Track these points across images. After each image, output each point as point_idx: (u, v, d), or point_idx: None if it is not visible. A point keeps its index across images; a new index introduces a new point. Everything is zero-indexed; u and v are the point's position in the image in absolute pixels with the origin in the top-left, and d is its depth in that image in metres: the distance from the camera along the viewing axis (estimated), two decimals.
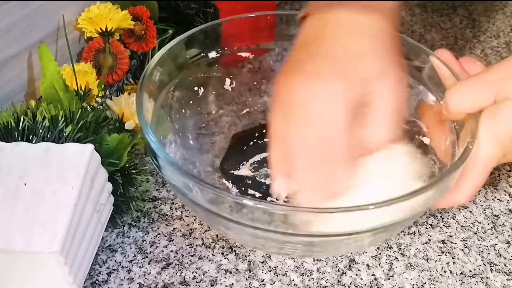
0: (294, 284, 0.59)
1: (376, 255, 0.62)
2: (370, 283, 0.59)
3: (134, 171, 0.63)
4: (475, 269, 0.61)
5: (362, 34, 0.57)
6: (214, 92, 0.75)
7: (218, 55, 0.73)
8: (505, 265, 0.61)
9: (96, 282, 0.59)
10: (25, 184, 0.54)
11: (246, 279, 0.59)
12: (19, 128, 0.59)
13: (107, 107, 0.69)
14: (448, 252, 0.62)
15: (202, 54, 0.72)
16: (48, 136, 0.59)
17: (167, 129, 0.67)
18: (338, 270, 0.60)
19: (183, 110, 0.71)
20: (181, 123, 0.70)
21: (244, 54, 0.75)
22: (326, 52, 0.57)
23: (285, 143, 0.56)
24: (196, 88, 0.73)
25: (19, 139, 0.59)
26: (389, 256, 0.62)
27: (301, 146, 0.55)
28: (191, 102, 0.72)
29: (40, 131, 0.59)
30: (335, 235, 0.54)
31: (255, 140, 0.72)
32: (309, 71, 0.56)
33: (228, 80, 0.75)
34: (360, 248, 0.62)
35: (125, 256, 0.61)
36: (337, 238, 0.55)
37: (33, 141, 0.59)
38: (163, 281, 0.59)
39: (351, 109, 0.55)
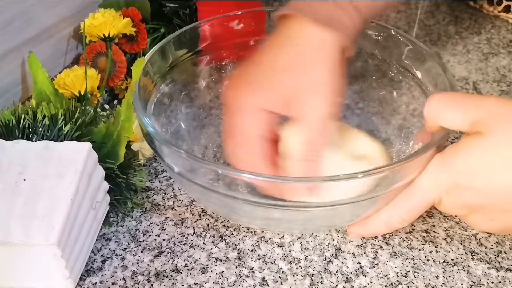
0: (282, 272, 0.60)
1: (362, 244, 0.63)
2: (356, 271, 0.60)
3: (130, 171, 0.65)
4: (457, 258, 0.62)
5: (315, 47, 0.59)
6: (203, 87, 0.76)
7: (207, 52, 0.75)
8: (486, 254, 0.62)
9: (91, 269, 0.60)
10: (24, 179, 0.56)
11: (236, 267, 0.60)
12: (20, 127, 0.60)
13: (110, 114, 0.71)
14: (431, 241, 0.63)
15: (191, 52, 0.73)
16: (48, 134, 0.60)
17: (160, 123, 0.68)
18: (325, 258, 0.62)
19: (174, 105, 0.72)
20: (173, 117, 0.71)
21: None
22: (273, 63, 0.61)
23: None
24: (186, 83, 0.74)
25: (20, 137, 0.60)
26: (374, 245, 0.63)
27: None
28: (181, 96, 0.73)
29: (40, 129, 0.60)
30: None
31: None
32: (248, 80, 0.61)
33: (217, 75, 0.77)
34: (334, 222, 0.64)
35: (119, 244, 0.62)
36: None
37: (33, 139, 0.60)
38: (155, 268, 0.60)
39: (268, 116, 0.60)
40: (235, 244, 0.63)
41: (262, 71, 0.61)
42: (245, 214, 0.61)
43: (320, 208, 0.57)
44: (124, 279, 0.59)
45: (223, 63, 0.77)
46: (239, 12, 0.75)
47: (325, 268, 0.61)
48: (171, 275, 0.59)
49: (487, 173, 0.54)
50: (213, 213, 0.66)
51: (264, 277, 0.60)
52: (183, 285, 0.59)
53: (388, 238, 0.64)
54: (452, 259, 0.62)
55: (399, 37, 0.71)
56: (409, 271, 0.61)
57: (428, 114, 0.58)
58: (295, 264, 0.61)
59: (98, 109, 0.71)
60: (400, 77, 0.72)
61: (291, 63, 0.60)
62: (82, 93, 0.72)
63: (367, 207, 0.60)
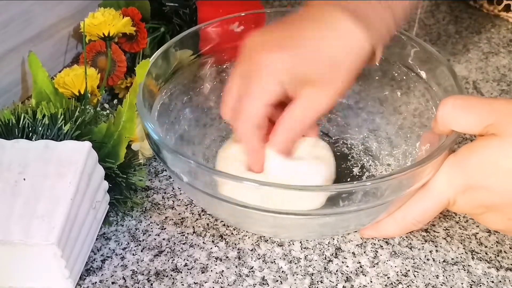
0: (282, 271, 0.60)
1: (362, 243, 0.63)
2: (356, 270, 0.60)
3: (130, 170, 0.65)
4: (457, 257, 0.62)
5: (336, 35, 0.58)
6: (204, 86, 0.76)
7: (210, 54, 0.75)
8: (486, 253, 0.62)
9: (91, 268, 0.60)
10: (24, 179, 0.56)
11: (236, 266, 0.60)
12: (20, 126, 0.60)
13: (110, 114, 0.70)
14: (431, 241, 0.64)
15: (195, 54, 0.73)
16: (48, 133, 0.60)
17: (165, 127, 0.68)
18: (325, 258, 0.62)
19: (178, 108, 0.72)
20: (177, 121, 0.71)
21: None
22: (295, 31, 0.59)
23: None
24: (187, 83, 0.74)
25: (20, 137, 0.60)
26: (374, 244, 0.63)
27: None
28: (182, 96, 0.73)
29: (40, 128, 0.60)
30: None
31: None
32: (270, 39, 0.60)
33: (217, 75, 0.77)
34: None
35: (118, 244, 0.62)
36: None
37: (33, 139, 0.60)
38: (155, 268, 0.60)
39: (284, 83, 0.58)
40: (235, 244, 0.63)
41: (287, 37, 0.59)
42: (255, 222, 0.61)
43: (334, 215, 0.57)
44: (124, 278, 0.59)
45: (225, 66, 0.77)
46: (242, 14, 0.74)
47: (325, 268, 0.61)
48: (171, 275, 0.59)
49: (502, 173, 0.54)
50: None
51: (264, 276, 0.60)
52: (183, 285, 0.59)
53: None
54: (452, 259, 0.62)
55: (404, 38, 0.71)
56: (409, 270, 0.61)
57: (442, 118, 0.56)
58: (295, 263, 0.61)
59: (98, 109, 0.71)
60: (404, 77, 0.72)
61: (316, 42, 0.58)
62: (82, 93, 0.72)
63: (381, 211, 0.60)
